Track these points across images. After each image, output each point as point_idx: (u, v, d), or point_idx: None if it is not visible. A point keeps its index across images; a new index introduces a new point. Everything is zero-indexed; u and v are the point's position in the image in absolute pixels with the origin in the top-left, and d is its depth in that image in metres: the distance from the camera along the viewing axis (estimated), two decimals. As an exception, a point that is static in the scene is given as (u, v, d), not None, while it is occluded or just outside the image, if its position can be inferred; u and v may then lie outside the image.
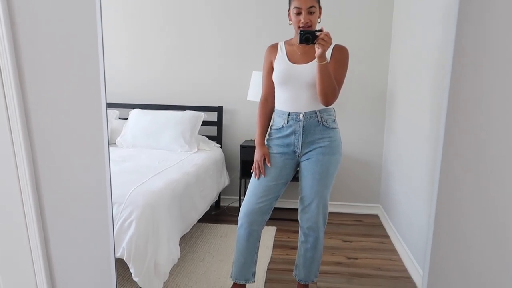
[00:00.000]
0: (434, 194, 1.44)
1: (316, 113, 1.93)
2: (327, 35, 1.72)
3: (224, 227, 3.18)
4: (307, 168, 1.97)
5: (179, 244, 2.31)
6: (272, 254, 2.75)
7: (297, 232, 2.13)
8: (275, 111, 2.03)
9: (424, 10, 2.55)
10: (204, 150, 3.31)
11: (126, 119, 3.47)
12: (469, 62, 1.34)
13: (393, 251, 2.85)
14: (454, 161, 1.39)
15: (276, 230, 3.16)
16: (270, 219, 2.06)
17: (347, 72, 1.95)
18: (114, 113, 3.52)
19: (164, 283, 2.10)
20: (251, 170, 2.04)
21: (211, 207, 3.18)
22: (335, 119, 2.00)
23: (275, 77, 1.96)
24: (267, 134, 2.07)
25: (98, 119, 1.26)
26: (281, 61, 1.96)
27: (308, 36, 1.75)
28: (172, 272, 2.38)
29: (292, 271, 2.20)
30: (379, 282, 2.41)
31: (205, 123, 3.47)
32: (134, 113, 3.44)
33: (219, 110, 3.56)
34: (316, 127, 1.94)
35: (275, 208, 2.06)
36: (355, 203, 3.63)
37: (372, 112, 3.47)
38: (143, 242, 1.99)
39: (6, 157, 1.18)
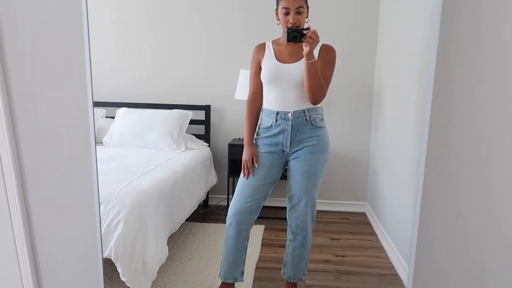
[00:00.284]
0: (419, 191, 1.46)
1: (304, 112, 1.94)
2: (315, 33, 1.74)
3: (212, 226, 3.17)
4: (295, 167, 1.97)
5: (167, 243, 2.30)
6: (260, 252, 2.76)
7: (285, 230, 2.13)
8: (263, 110, 2.04)
9: (410, 8, 2.58)
10: (192, 149, 3.30)
11: (113, 117, 3.44)
12: (453, 60, 1.36)
13: (380, 248, 2.87)
14: (439, 158, 1.41)
15: (265, 228, 3.16)
16: (258, 217, 2.06)
17: (335, 70, 1.96)
18: (100, 111, 3.48)
19: (152, 282, 2.09)
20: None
21: (199, 206, 3.17)
22: (323, 118, 2.01)
23: (263, 76, 1.97)
24: (255, 133, 2.07)
25: (85, 118, 1.25)
26: (269, 60, 1.96)
27: (296, 34, 1.76)
28: (160, 271, 2.36)
29: (281, 269, 2.21)
30: (367, 280, 2.43)
31: (192, 122, 3.46)
32: (121, 111, 3.41)
33: (206, 108, 3.55)
34: (304, 126, 1.95)
35: (264, 207, 2.06)
36: (342, 201, 3.65)
37: (359, 110, 3.50)
38: (131, 241, 1.97)
39: (-10, 157, 1.16)
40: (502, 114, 1.36)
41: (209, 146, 3.55)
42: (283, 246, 2.22)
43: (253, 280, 2.38)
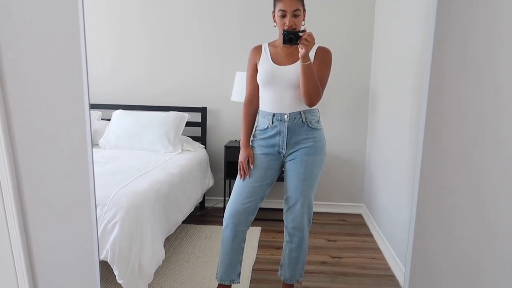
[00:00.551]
0: (415, 192, 1.47)
1: (300, 113, 1.94)
2: (310, 35, 1.74)
3: (209, 228, 3.17)
4: (291, 169, 1.98)
5: (164, 246, 2.29)
6: (257, 254, 2.75)
7: (282, 232, 2.13)
8: (260, 112, 2.04)
9: (405, 9, 2.59)
10: (188, 151, 3.30)
11: (109, 120, 3.43)
12: (448, 62, 1.37)
13: (377, 249, 2.88)
14: (434, 160, 1.43)
15: (261, 230, 3.16)
16: (255, 219, 2.06)
17: (331, 72, 1.97)
18: (96, 114, 3.47)
19: (148, 284, 2.09)
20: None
21: (195, 208, 3.16)
22: (319, 120, 2.02)
23: (259, 78, 1.97)
24: (252, 135, 2.08)
25: (81, 120, 1.25)
26: (265, 62, 1.96)
27: (292, 37, 1.77)
28: (157, 273, 2.36)
29: (277, 271, 2.21)
30: (363, 281, 2.44)
31: (189, 124, 3.45)
32: (117, 114, 3.40)
33: (203, 110, 3.55)
34: (300, 128, 1.95)
35: (260, 209, 2.06)
36: (339, 202, 3.66)
37: (355, 112, 3.51)
38: (127, 243, 1.97)
39: (-14, 159, 1.16)
40: (496, 115, 1.37)
41: (205, 148, 3.54)
42: (280, 248, 2.23)
43: (250, 282, 2.38)
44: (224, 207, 3.42)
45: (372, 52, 3.40)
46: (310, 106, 1.93)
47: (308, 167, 1.95)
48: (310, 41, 1.74)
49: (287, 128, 1.95)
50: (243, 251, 2.06)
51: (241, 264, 2.08)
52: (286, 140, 1.96)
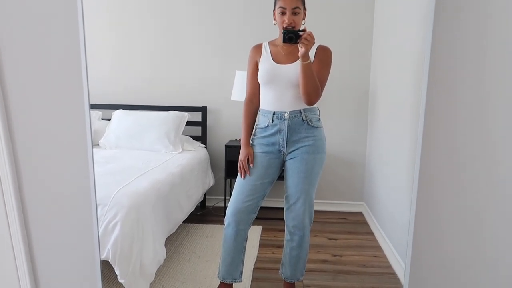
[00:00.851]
0: (414, 191, 1.48)
1: (300, 112, 1.94)
2: (310, 34, 1.75)
3: (210, 227, 3.17)
4: (292, 167, 1.98)
5: (165, 245, 2.30)
6: (258, 253, 2.76)
7: (283, 231, 2.14)
8: (260, 110, 2.04)
9: (404, 9, 2.59)
10: (189, 150, 3.30)
11: (109, 120, 3.43)
12: (445, 63, 1.38)
13: (378, 247, 2.88)
14: (432, 159, 1.44)
15: (262, 229, 3.16)
16: (256, 218, 2.06)
17: (331, 72, 1.97)
18: (96, 114, 3.47)
19: (150, 284, 2.09)
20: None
21: (196, 207, 3.16)
22: (319, 118, 2.02)
23: (260, 77, 1.98)
24: (252, 134, 2.08)
25: (81, 120, 1.25)
26: (265, 61, 1.97)
27: (292, 36, 1.78)
28: (158, 273, 2.36)
29: (278, 269, 2.21)
30: (364, 279, 2.44)
31: (189, 124, 3.45)
32: (117, 114, 3.40)
33: (203, 110, 3.55)
34: (300, 126, 1.95)
35: (261, 207, 2.07)
36: (339, 201, 3.66)
37: (355, 111, 3.51)
38: (128, 243, 1.97)
39: (-13, 160, 1.16)
40: (496, 115, 1.37)
41: (206, 147, 3.55)
42: (281, 247, 2.23)
43: (251, 281, 2.38)
44: (225, 206, 3.43)
45: (371, 52, 3.40)
46: (310, 105, 1.93)
47: (308, 165, 1.95)
48: (310, 40, 1.75)
49: (287, 126, 1.95)
50: (245, 250, 2.06)
51: (243, 263, 2.08)
52: (286, 138, 1.96)
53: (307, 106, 1.95)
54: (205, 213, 3.54)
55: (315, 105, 1.97)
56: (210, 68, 3.54)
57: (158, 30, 3.52)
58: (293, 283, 2.16)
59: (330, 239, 3.04)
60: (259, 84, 2.01)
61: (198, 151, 3.34)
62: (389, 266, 2.59)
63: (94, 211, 1.35)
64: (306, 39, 1.74)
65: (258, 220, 3.06)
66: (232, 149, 3.27)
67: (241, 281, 2.09)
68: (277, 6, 1.87)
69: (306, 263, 2.14)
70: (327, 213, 3.59)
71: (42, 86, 1.21)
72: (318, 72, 1.89)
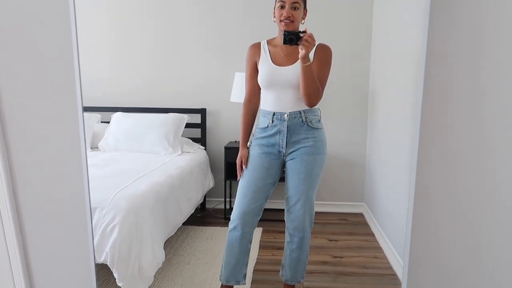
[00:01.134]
0: (411, 193, 1.48)
1: (300, 113, 1.93)
2: (311, 36, 1.73)
3: (210, 229, 3.16)
4: (292, 168, 1.97)
5: (164, 248, 2.29)
6: (258, 255, 2.75)
7: (283, 232, 2.13)
8: (260, 111, 2.04)
9: (403, 10, 2.58)
10: (188, 152, 3.29)
11: (109, 122, 3.42)
12: (440, 65, 1.38)
13: (378, 248, 2.87)
14: (428, 162, 1.44)
15: (262, 231, 3.15)
16: (257, 219, 2.06)
17: (330, 73, 1.95)
18: (95, 116, 3.46)
19: (149, 287, 2.08)
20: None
21: (196, 209, 3.15)
22: (320, 119, 2.01)
23: (260, 80, 1.96)
24: (252, 134, 2.07)
25: (74, 123, 1.24)
26: (265, 63, 1.95)
27: (292, 37, 1.76)
28: (157, 275, 2.35)
29: (279, 271, 2.20)
30: (365, 280, 2.43)
31: (188, 125, 3.44)
32: (116, 116, 3.39)
33: (202, 112, 3.54)
34: (300, 127, 1.94)
35: (261, 209, 2.06)
36: (340, 202, 3.65)
37: (355, 113, 3.50)
38: (127, 246, 1.96)
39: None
40: (495, 115, 1.37)
41: (205, 149, 3.54)
42: (281, 248, 2.22)
43: (251, 283, 2.37)
44: (225, 208, 3.43)
45: (371, 53, 3.39)
46: (310, 107, 1.92)
47: (308, 166, 1.94)
48: (311, 42, 1.73)
49: (287, 127, 1.94)
50: (249, 252, 2.06)
51: (247, 265, 2.07)
52: (286, 139, 1.95)
53: (307, 107, 1.94)
54: (205, 215, 3.53)
55: (316, 106, 1.96)
56: (209, 70, 3.53)
57: (157, 32, 3.51)
58: (293, 285, 2.15)
59: (330, 240, 3.03)
60: (258, 85, 2.00)
61: (197, 153, 3.33)
62: (390, 267, 2.58)
63: (88, 214, 1.34)
64: (306, 40, 1.72)
65: (259, 221, 3.06)
66: (231, 151, 3.26)
67: (245, 283, 2.08)
68: (277, 0, 1.86)
69: (306, 265, 2.12)
70: (327, 214, 3.58)
71: (35, 90, 1.20)
72: (318, 71, 1.87)
